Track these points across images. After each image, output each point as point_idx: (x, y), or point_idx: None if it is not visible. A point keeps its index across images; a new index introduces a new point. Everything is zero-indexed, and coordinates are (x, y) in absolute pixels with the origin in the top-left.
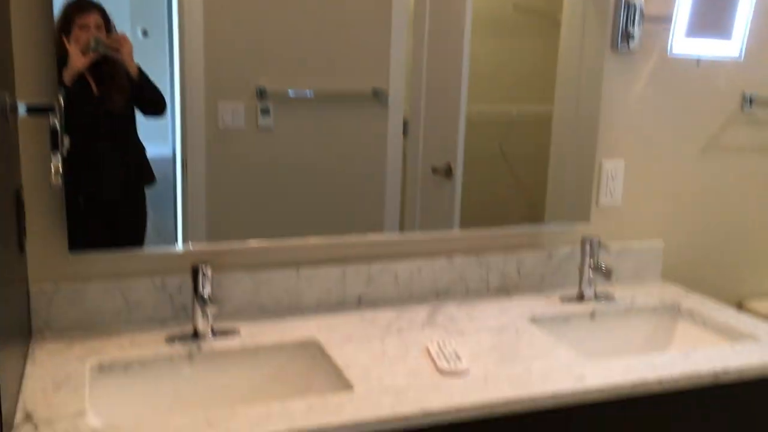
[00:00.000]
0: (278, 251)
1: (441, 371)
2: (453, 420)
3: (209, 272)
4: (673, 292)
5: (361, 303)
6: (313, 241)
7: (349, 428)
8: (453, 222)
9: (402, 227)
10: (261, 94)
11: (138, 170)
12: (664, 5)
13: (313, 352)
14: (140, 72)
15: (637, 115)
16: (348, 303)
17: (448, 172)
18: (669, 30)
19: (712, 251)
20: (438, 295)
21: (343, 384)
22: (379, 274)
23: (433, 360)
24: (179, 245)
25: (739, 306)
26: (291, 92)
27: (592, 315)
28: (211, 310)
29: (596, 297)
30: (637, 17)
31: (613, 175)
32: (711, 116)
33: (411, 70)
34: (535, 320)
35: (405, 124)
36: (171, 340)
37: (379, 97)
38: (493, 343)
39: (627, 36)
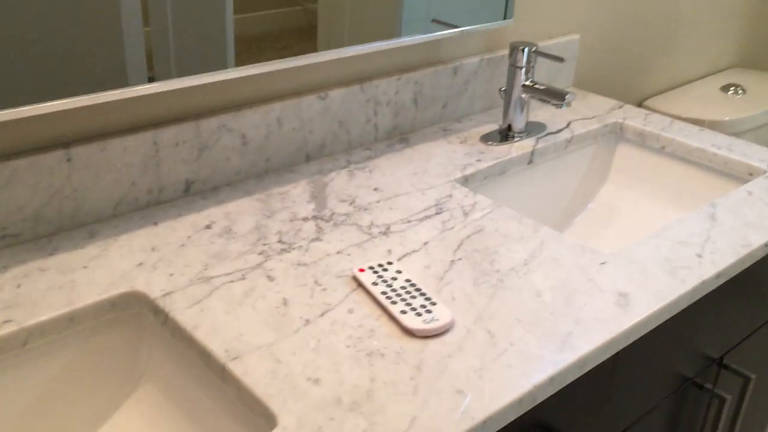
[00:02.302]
0: (19, 126)
1: (412, 332)
2: None
3: None
4: (605, 106)
5: (191, 192)
6: (81, 101)
7: None
8: (225, 36)
9: (149, 54)
10: None
11: None
12: None
13: (141, 324)
14: None
15: None
16: (169, 197)
17: None
18: None
19: (618, 48)
20: (308, 157)
21: (249, 409)
22: (216, 138)
23: (383, 308)
24: None
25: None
26: None
27: (531, 158)
28: None
29: (526, 129)
30: None
31: None
32: None
33: None
34: (467, 181)
35: None
36: None
37: None
38: (446, 243)
39: None
